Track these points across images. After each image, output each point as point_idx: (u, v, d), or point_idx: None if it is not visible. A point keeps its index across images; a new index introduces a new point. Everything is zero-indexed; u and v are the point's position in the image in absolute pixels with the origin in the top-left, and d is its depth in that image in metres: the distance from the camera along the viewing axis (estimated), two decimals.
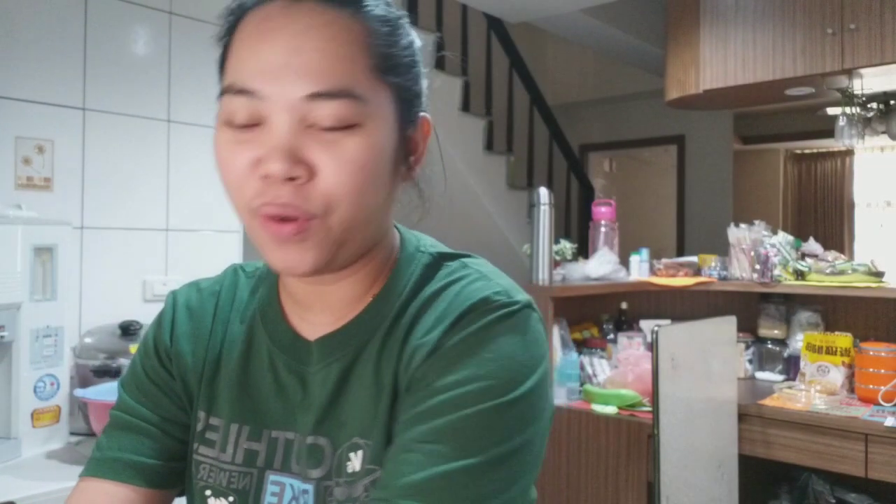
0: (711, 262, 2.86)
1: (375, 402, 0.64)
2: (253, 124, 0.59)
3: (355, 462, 0.63)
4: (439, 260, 0.70)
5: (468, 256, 0.72)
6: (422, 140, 0.68)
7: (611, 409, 2.28)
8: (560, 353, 2.46)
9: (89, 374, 1.68)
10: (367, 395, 0.65)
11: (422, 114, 0.67)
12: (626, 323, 2.85)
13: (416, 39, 0.67)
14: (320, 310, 0.69)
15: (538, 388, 0.61)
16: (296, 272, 0.62)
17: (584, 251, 2.97)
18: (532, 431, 0.60)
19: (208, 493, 0.69)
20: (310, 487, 0.65)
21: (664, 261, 2.95)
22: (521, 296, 0.65)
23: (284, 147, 0.57)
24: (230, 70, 0.61)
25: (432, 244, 0.73)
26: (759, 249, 2.68)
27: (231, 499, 0.68)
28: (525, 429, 0.59)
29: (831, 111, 3.33)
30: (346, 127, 0.58)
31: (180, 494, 0.74)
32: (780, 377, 2.65)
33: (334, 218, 0.59)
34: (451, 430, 0.57)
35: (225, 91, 0.60)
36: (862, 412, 2.15)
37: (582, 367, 2.55)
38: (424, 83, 0.68)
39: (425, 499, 0.55)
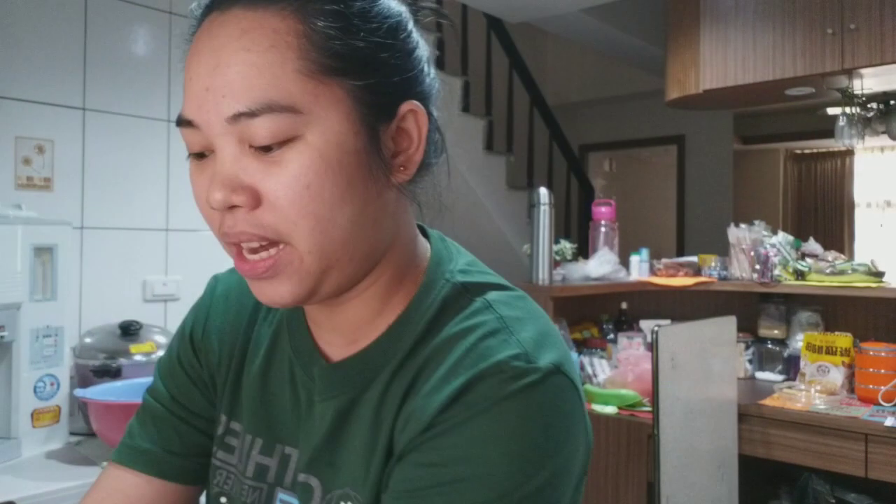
0: (711, 262, 2.86)
1: (370, 454, 0.58)
2: (205, 152, 0.55)
3: None
4: (463, 292, 0.61)
5: (501, 288, 0.63)
6: (415, 133, 0.58)
7: (611, 409, 2.28)
8: None
9: (89, 374, 1.68)
10: (364, 442, 0.59)
11: (407, 104, 0.58)
12: (626, 323, 2.85)
13: (404, 23, 0.59)
14: (330, 329, 0.64)
15: (557, 478, 0.53)
16: (276, 306, 0.58)
17: (584, 251, 2.97)
18: None
19: (224, 500, 0.68)
20: None
21: (664, 261, 2.95)
22: (547, 356, 0.55)
23: (222, 175, 0.53)
24: None
25: (463, 268, 0.64)
26: (759, 249, 2.68)
27: None
28: None
29: (831, 111, 3.33)
30: (285, 142, 0.52)
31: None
32: (780, 377, 2.65)
33: (305, 243, 0.54)
34: None
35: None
36: (862, 412, 2.15)
37: (582, 367, 2.55)
38: (421, 68, 0.60)
39: None
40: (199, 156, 0.56)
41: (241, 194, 0.53)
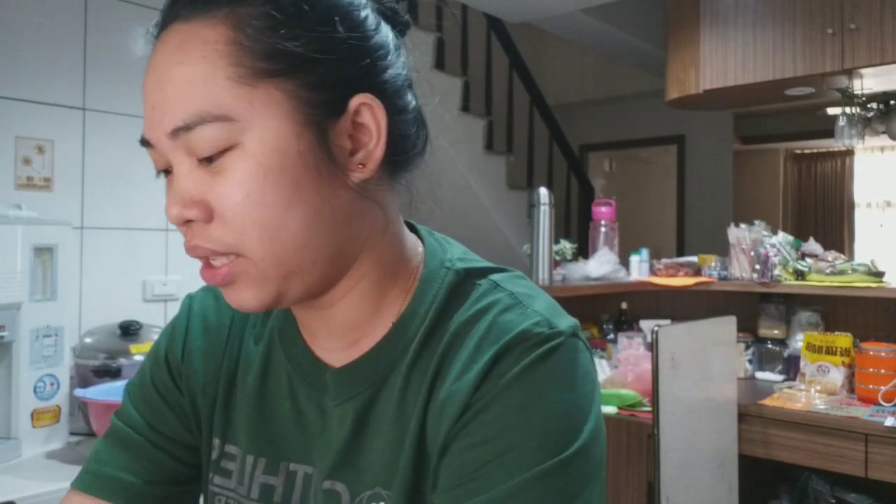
0: (711, 262, 2.86)
1: (398, 449, 0.57)
2: (168, 169, 0.55)
3: None
4: (467, 278, 0.61)
5: (500, 271, 0.63)
6: (373, 128, 0.56)
7: (611, 409, 2.28)
8: None
9: (89, 374, 1.68)
10: (388, 439, 0.57)
11: (358, 98, 0.55)
12: (626, 323, 2.85)
13: (354, 11, 0.56)
14: (326, 335, 0.62)
15: (595, 432, 0.54)
16: (244, 311, 0.57)
17: (584, 251, 2.97)
18: (596, 482, 0.54)
19: None
20: None
21: (664, 261, 2.95)
22: (564, 321, 0.57)
23: (175, 191, 0.54)
24: None
25: (461, 256, 0.64)
26: (759, 249, 2.68)
27: None
28: (589, 483, 0.53)
29: (831, 111, 3.33)
30: (224, 151, 0.52)
31: None
32: (780, 377, 2.65)
33: (257, 252, 0.53)
34: (507, 500, 0.50)
35: None
36: (862, 412, 2.15)
37: None
38: (379, 56, 0.57)
39: None
40: (167, 172, 0.56)
41: (194, 208, 0.53)
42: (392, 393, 0.58)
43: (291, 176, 0.52)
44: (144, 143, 0.55)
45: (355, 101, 0.55)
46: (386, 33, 0.59)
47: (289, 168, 0.52)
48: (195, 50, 0.52)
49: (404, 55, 0.61)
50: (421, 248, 0.64)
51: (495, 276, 0.61)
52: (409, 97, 0.61)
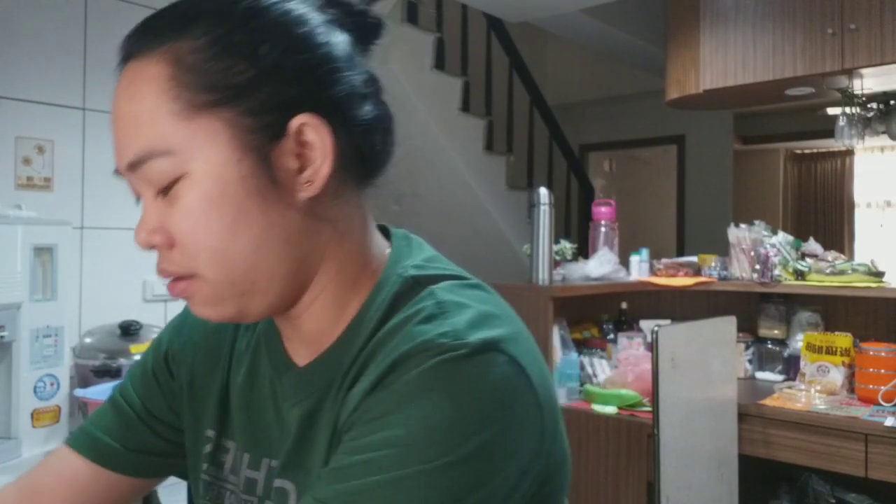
0: (711, 262, 2.86)
1: (331, 454, 0.58)
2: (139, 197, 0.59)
3: None
4: (414, 286, 0.60)
5: (453, 279, 0.61)
6: (318, 145, 0.56)
7: (611, 409, 2.28)
8: (560, 354, 2.46)
9: (89, 374, 1.68)
10: (327, 444, 0.59)
11: (298, 119, 0.56)
12: (626, 323, 2.85)
13: (299, 31, 0.57)
14: (297, 340, 0.64)
15: (486, 452, 0.50)
16: (211, 321, 0.62)
17: (584, 251, 2.97)
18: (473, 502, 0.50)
19: None
20: None
21: (664, 261, 2.95)
22: (480, 334, 0.53)
23: (142, 218, 0.57)
24: None
25: (419, 263, 0.63)
26: (759, 249, 2.68)
27: None
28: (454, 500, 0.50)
29: (831, 111, 3.33)
30: (175, 181, 0.55)
31: (142, 490, 0.75)
32: (780, 377, 2.65)
33: (209, 274, 0.56)
34: (359, 495, 0.49)
35: None
36: (862, 412, 2.15)
37: (582, 367, 2.55)
38: (328, 70, 0.57)
39: None
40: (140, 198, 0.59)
41: (156, 234, 0.56)
42: (333, 399, 0.60)
43: (234, 201, 0.55)
44: (117, 173, 0.59)
45: (295, 122, 0.56)
46: (337, 45, 0.59)
47: (231, 194, 0.55)
48: (141, 88, 0.55)
49: (362, 63, 0.61)
50: (385, 255, 0.64)
51: (441, 285, 0.60)
52: (368, 107, 0.60)
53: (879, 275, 2.51)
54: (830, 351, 2.42)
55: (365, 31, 0.63)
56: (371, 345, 0.58)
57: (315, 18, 0.58)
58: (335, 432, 0.57)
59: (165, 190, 0.55)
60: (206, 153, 0.54)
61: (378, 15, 0.64)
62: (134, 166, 0.56)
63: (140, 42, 0.56)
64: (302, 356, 0.64)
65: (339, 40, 0.59)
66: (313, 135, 0.56)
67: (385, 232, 0.67)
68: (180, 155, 0.54)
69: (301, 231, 0.58)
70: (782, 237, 2.73)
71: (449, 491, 0.49)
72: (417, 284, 0.60)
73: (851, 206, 7.21)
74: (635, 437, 2.19)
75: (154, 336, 1.79)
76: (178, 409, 0.73)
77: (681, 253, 5.48)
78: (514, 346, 0.54)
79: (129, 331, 1.78)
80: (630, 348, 2.57)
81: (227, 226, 0.55)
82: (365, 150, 0.60)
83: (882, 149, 6.87)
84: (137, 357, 1.71)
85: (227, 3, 0.56)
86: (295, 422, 0.62)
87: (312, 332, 0.62)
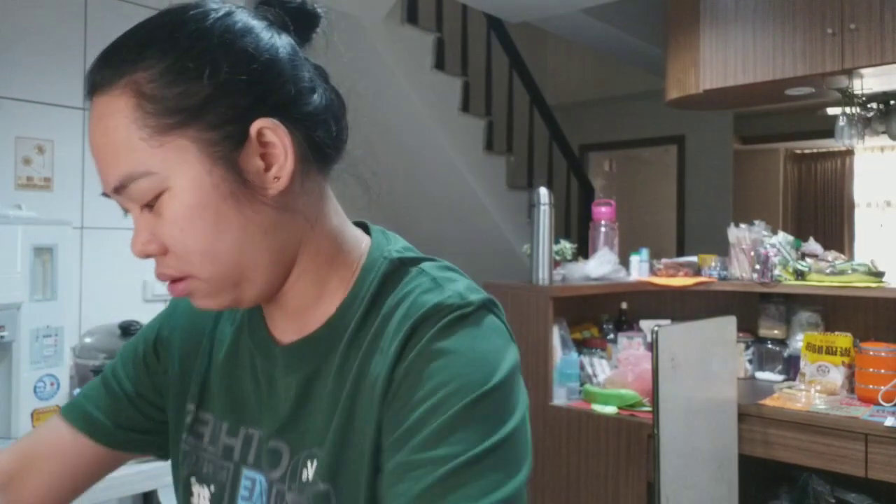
0: (711, 262, 2.86)
1: (330, 416, 0.65)
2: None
3: (310, 471, 0.65)
4: (400, 266, 0.69)
5: (431, 260, 0.71)
6: (279, 144, 0.62)
7: (611, 409, 2.28)
8: (560, 353, 2.46)
9: (89, 374, 1.68)
10: (325, 407, 0.66)
11: (256, 124, 0.61)
12: (626, 323, 2.85)
13: (242, 42, 0.61)
14: (282, 319, 0.71)
15: (510, 377, 0.61)
16: (213, 311, 0.73)
17: (584, 251, 2.97)
18: (515, 420, 0.60)
19: (193, 478, 0.74)
20: (269, 487, 0.69)
21: (664, 261, 2.95)
22: (476, 296, 0.65)
23: (135, 231, 0.63)
24: None
25: (400, 249, 0.71)
26: (759, 249, 2.68)
27: (212, 488, 0.72)
28: (507, 419, 0.59)
29: (831, 111, 3.32)
30: (158, 196, 0.61)
31: (120, 463, 0.82)
32: (780, 377, 2.65)
33: (203, 273, 0.63)
34: (435, 438, 0.57)
35: None
36: (862, 412, 2.15)
37: (582, 367, 2.55)
38: (276, 74, 0.62)
39: None
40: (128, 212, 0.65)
41: (150, 244, 0.63)
42: (332, 368, 0.66)
43: (212, 207, 0.61)
44: (104, 195, 0.65)
45: (254, 128, 0.61)
46: (280, 47, 0.64)
47: (207, 201, 0.61)
48: (111, 121, 0.60)
49: (301, 57, 0.66)
50: (365, 243, 0.72)
51: (425, 265, 0.69)
52: (315, 97, 0.65)
53: (879, 275, 2.51)
54: (830, 351, 2.42)
55: (304, 23, 0.68)
56: (377, 321, 0.66)
57: (256, 26, 0.63)
58: (350, 404, 0.64)
59: (150, 205, 0.61)
60: (180, 169, 0.60)
61: (313, 6, 0.69)
62: (119, 189, 0.61)
63: (101, 76, 0.61)
64: (286, 332, 0.71)
65: (282, 42, 0.64)
66: (272, 136, 0.62)
67: (364, 227, 0.75)
68: (158, 174, 0.60)
69: (276, 223, 0.64)
70: (782, 237, 2.73)
71: (501, 408, 0.59)
72: (403, 265, 0.69)
73: (851, 206, 7.21)
74: (635, 437, 2.19)
75: None
76: (163, 390, 0.79)
77: (681, 253, 5.49)
78: (501, 311, 0.67)
79: (129, 331, 1.78)
80: (630, 348, 2.57)
81: (210, 229, 0.61)
82: (320, 139, 0.66)
83: (882, 149, 6.87)
84: None
85: (172, 29, 0.61)
86: (293, 389, 0.68)
87: (297, 308, 0.69)
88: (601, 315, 2.92)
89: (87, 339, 1.77)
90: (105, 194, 0.65)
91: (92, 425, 0.78)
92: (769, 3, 3.07)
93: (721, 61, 3.19)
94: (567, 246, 2.78)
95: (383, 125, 3.99)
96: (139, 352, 0.81)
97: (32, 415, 1.54)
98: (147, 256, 0.64)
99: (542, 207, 2.46)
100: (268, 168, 0.63)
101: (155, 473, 1.50)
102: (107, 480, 1.46)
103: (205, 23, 0.61)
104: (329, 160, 0.68)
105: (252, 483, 0.70)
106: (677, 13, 3.44)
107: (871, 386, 2.26)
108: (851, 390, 2.37)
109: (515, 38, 5.01)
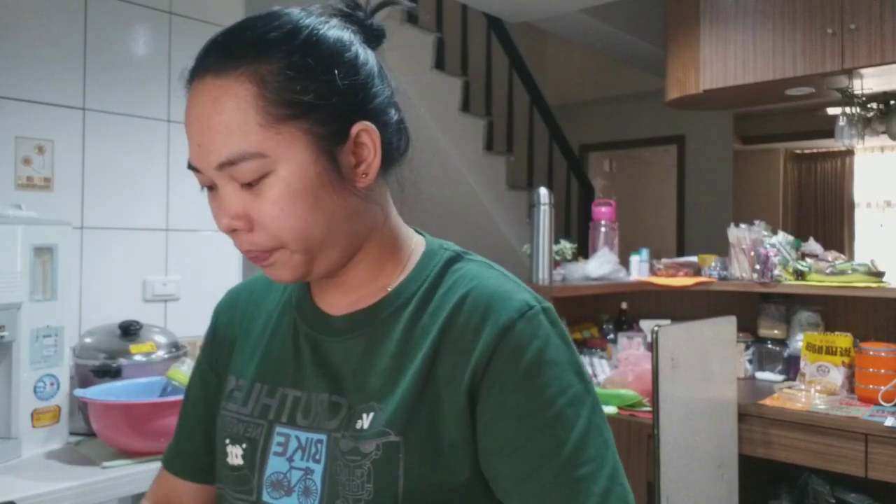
0: (711, 262, 2.86)
1: (395, 376, 0.73)
2: (212, 186, 0.72)
3: (365, 421, 0.72)
4: (456, 258, 0.80)
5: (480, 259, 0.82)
6: (370, 146, 0.72)
7: (611, 409, 2.28)
8: None
9: (89, 374, 1.68)
10: (388, 367, 0.74)
11: (357, 126, 0.71)
12: (626, 323, 2.85)
13: (347, 52, 0.71)
14: (334, 293, 0.80)
15: (583, 370, 0.75)
16: (280, 282, 0.80)
17: (584, 251, 2.97)
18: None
19: (227, 441, 0.80)
20: (324, 437, 0.74)
21: (664, 261, 2.95)
22: (542, 300, 0.77)
23: (223, 207, 0.71)
24: None
25: (450, 246, 0.83)
26: (759, 249, 2.68)
27: (244, 445, 0.78)
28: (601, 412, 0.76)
29: (831, 111, 3.32)
30: (262, 178, 0.68)
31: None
32: (780, 377, 2.65)
33: (294, 246, 0.71)
34: (575, 455, 0.70)
35: None
36: (862, 412, 2.15)
37: None
38: (370, 84, 0.73)
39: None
40: (210, 188, 0.72)
41: (239, 220, 0.70)
42: (397, 333, 0.75)
43: (312, 192, 0.69)
44: (192, 168, 0.71)
45: (355, 128, 0.71)
46: (371, 62, 0.74)
47: (310, 187, 0.69)
48: (229, 102, 0.67)
49: (386, 76, 0.77)
50: (416, 239, 0.83)
51: (478, 258, 0.82)
52: (392, 112, 0.76)
53: (879, 275, 2.51)
54: (830, 351, 2.42)
55: (374, 39, 0.78)
56: (450, 294, 0.76)
57: (353, 41, 0.73)
58: (427, 366, 0.72)
59: (250, 184, 0.68)
60: (290, 155, 0.68)
61: (380, 25, 0.79)
62: (224, 166, 0.68)
63: (218, 62, 0.68)
64: (334, 306, 0.80)
65: (371, 57, 0.75)
66: (367, 137, 0.72)
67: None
68: (269, 157, 0.67)
69: (357, 211, 0.74)
70: (782, 237, 2.73)
71: (592, 402, 0.73)
72: (459, 258, 0.81)
73: (851, 206, 7.21)
74: (635, 437, 2.19)
75: (153, 336, 1.80)
76: (222, 373, 0.87)
77: (681, 253, 5.49)
78: None
79: (128, 331, 1.78)
80: (630, 348, 2.57)
81: (307, 211, 0.69)
82: (395, 145, 0.77)
83: (882, 149, 6.87)
84: (137, 357, 1.72)
85: (293, 31, 0.70)
86: (355, 352, 0.76)
87: (352, 286, 0.79)
88: (601, 315, 2.92)
89: (87, 339, 1.77)
90: (192, 167, 0.71)
91: (199, 470, 0.88)
92: (769, 2, 3.07)
93: (721, 61, 3.19)
94: (567, 246, 2.78)
95: None
96: (201, 365, 0.90)
97: (32, 415, 1.54)
98: (230, 231, 0.71)
99: (542, 207, 2.46)
100: (357, 164, 0.72)
101: (155, 473, 1.50)
102: (107, 480, 1.47)
103: (321, 30, 0.71)
104: (394, 163, 0.78)
105: (285, 439, 0.76)
106: (677, 13, 3.44)
107: (871, 386, 2.26)
108: (851, 390, 2.37)
109: (515, 38, 5.01)
